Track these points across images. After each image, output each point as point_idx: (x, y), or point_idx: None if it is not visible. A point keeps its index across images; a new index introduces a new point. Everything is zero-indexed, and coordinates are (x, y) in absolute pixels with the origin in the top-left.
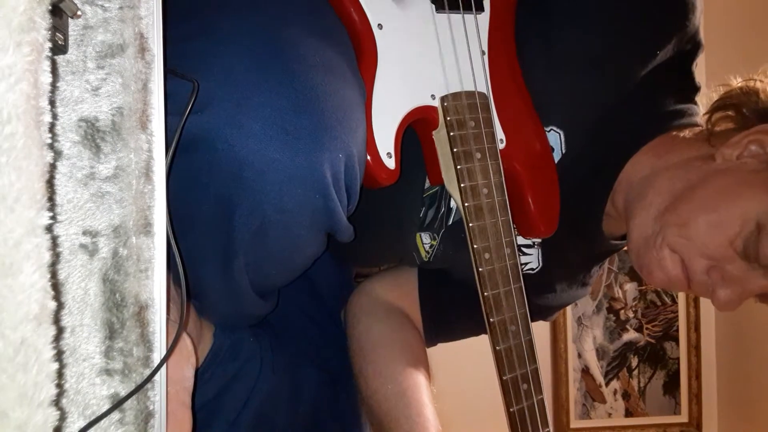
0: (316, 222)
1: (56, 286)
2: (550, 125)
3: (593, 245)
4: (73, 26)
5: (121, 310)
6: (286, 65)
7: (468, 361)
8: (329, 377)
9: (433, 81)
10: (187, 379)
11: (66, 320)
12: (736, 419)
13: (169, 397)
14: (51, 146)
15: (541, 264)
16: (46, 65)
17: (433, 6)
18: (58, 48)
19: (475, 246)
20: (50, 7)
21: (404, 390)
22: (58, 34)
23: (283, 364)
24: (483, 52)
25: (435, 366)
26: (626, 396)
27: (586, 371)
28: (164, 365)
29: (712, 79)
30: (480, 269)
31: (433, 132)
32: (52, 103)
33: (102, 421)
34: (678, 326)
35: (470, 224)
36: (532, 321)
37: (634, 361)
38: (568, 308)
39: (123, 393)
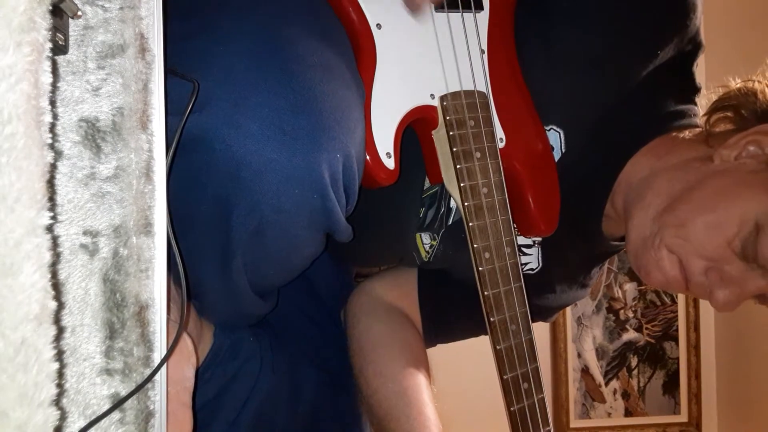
0: (314, 222)
1: (57, 286)
2: (550, 124)
3: (593, 245)
4: (74, 26)
5: (121, 310)
6: (285, 65)
7: (468, 361)
8: (329, 377)
9: (432, 80)
10: (187, 379)
11: (66, 320)
12: (736, 419)
13: (169, 397)
14: (51, 146)
15: (541, 264)
16: (47, 65)
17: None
18: (59, 48)
19: (475, 245)
20: (50, 8)
21: (405, 389)
22: (58, 34)
23: (282, 364)
24: (482, 51)
25: (435, 366)
26: (626, 396)
27: (585, 371)
28: (165, 365)
29: (711, 80)
30: (480, 268)
31: (433, 131)
32: (52, 103)
33: (102, 421)
34: (677, 326)
35: (470, 224)
36: (532, 322)
37: (634, 361)
38: (568, 308)
39: (123, 393)
